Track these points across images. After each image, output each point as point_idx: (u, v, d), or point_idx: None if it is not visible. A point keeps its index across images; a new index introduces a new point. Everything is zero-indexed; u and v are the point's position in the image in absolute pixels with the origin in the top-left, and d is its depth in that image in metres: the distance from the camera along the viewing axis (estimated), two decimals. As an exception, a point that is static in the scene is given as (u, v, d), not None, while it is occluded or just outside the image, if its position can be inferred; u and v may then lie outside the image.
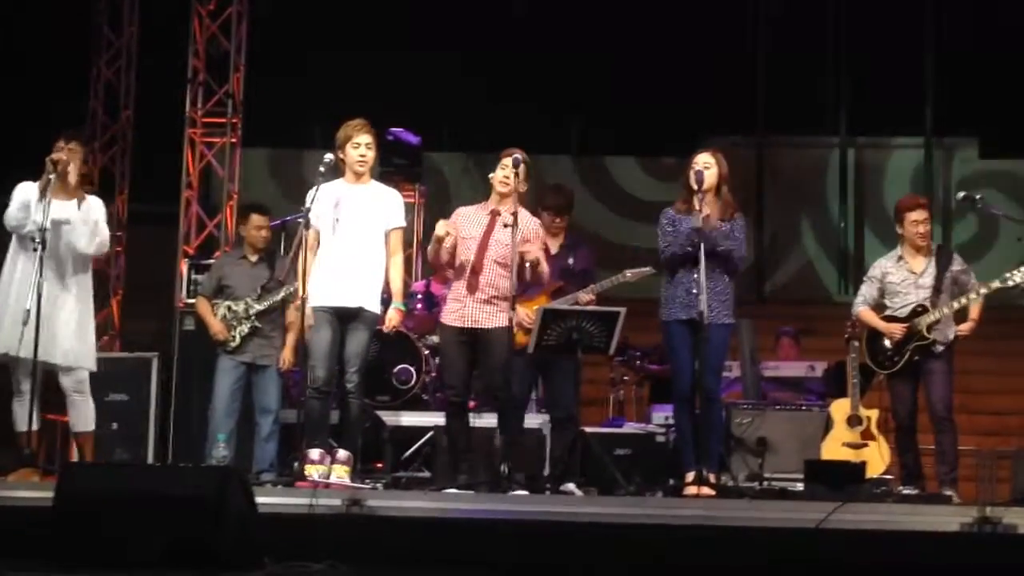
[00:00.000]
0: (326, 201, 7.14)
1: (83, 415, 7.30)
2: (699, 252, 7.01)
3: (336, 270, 7.09)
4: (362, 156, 7.19)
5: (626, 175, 15.55)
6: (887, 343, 7.91)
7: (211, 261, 9.37)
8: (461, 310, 7.21)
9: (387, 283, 7.35)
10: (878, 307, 8.08)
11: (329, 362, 7.07)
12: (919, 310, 7.83)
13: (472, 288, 7.18)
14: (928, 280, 7.87)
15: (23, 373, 7.10)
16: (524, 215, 7.23)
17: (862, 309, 8.07)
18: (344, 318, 7.10)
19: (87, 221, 7.19)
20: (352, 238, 7.13)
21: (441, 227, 7.17)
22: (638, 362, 9.95)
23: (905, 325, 7.84)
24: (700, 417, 7.13)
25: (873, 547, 5.91)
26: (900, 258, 7.99)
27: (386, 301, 7.31)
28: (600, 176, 15.53)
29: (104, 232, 7.27)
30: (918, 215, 7.93)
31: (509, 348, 7.05)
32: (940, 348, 7.81)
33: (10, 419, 7.18)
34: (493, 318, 7.14)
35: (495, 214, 7.23)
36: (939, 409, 7.80)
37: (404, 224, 7.32)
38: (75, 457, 7.73)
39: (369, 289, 7.14)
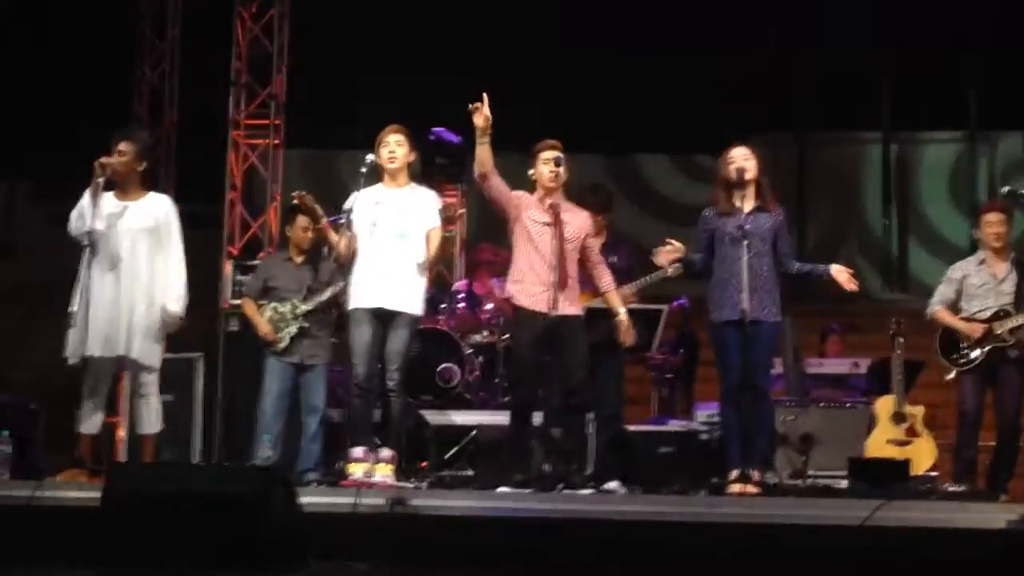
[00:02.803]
0: (365, 204, 7.23)
1: (146, 417, 7.29)
2: (742, 250, 7.00)
3: (375, 273, 7.18)
4: (391, 153, 7.29)
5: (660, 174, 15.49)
6: (963, 342, 7.89)
7: (256, 262, 9.41)
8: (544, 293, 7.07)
9: (430, 282, 7.37)
10: (952, 309, 8.05)
11: (369, 359, 7.15)
12: (1001, 314, 7.82)
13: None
14: (1009, 287, 7.88)
15: (95, 376, 7.12)
16: (575, 212, 7.25)
17: (938, 309, 8.03)
18: (384, 319, 7.18)
19: (153, 231, 7.17)
20: (390, 241, 7.21)
21: None
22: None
23: (985, 325, 7.83)
24: (748, 415, 7.11)
25: (918, 545, 5.88)
26: (982, 261, 7.99)
27: (431, 300, 7.32)
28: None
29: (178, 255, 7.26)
30: (992, 217, 7.99)
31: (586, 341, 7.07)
32: (1015, 353, 7.78)
33: (64, 422, 7.19)
34: (573, 305, 7.11)
35: (555, 208, 7.13)
36: (1010, 416, 7.80)
37: (440, 223, 7.38)
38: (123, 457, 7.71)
39: (408, 291, 7.20)
